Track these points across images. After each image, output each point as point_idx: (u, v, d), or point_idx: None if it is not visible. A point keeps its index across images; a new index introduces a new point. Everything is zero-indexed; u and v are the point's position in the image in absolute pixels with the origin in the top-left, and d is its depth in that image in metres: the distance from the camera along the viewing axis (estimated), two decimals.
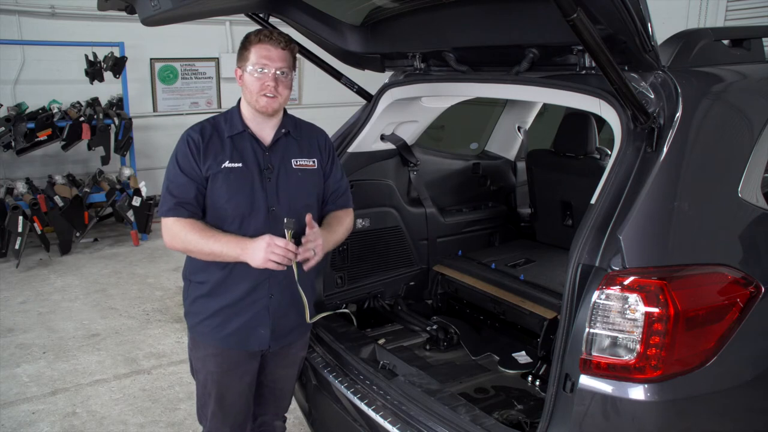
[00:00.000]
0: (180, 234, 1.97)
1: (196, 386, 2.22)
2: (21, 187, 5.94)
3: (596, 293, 1.55)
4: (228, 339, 2.08)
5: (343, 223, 2.20)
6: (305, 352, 2.34)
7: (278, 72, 1.96)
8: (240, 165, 2.00)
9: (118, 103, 6.66)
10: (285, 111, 2.12)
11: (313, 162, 2.14)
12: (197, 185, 1.98)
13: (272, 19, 2.40)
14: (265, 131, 2.07)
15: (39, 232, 5.63)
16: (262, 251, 1.90)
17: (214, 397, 2.15)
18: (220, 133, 2.04)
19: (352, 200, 2.28)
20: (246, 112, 2.06)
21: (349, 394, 2.12)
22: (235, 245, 1.94)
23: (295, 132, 2.13)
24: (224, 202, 1.99)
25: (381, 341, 2.58)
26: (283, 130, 2.09)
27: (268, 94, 1.97)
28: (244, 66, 1.99)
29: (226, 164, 1.99)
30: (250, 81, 1.97)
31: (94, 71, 6.41)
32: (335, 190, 2.22)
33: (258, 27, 2.30)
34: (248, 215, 2.00)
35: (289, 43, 2.00)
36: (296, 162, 2.10)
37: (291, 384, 2.37)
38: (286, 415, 2.47)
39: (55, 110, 6.36)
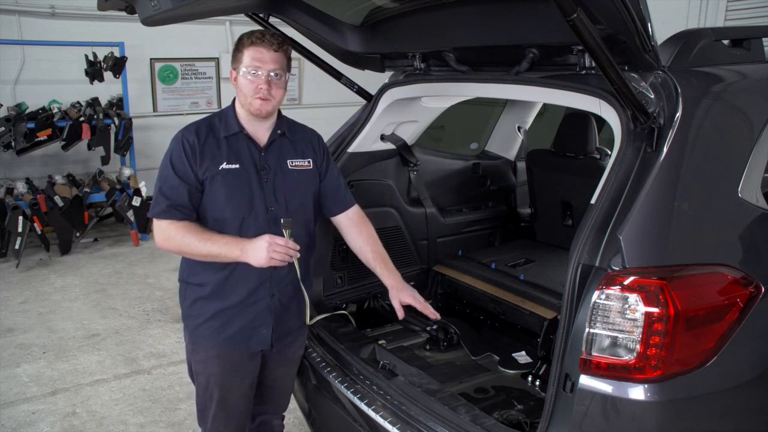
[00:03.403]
0: (175, 237, 1.97)
1: (196, 390, 2.21)
2: (21, 187, 5.94)
3: (596, 293, 1.55)
4: (230, 340, 2.08)
5: (375, 236, 2.29)
6: (303, 350, 2.34)
7: (271, 74, 1.96)
8: (237, 166, 2.00)
9: (118, 103, 6.66)
10: (279, 112, 2.12)
11: (308, 162, 2.15)
12: (190, 188, 1.97)
13: (272, 19, 2.39)
14: (261, 132, 2.07)
15: (39, 232, 5.63)
16: (264, 250, 1.91)
17: (217, 399, 2.14)
18: (216, 133, 2.03)
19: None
20: (241, 112, 2.06)
21: (349, 394, 2.11)
22: (234, 246, 1.94)
23: (290, 133, 2.14)
24: (224, 204, 1.99)
25: (381, 342, 2.58)
26: (279, 131, 2.09)
27: (261, 97, 1.96)
28: (238, 68, 1.99)
29: (224, 165, 1.99)
30: (244, 83, 1.97)
31: (94, 71, 6.40)
32: (335, 186, 2.24)
33: (257, 27, 2.31)
34: (248, 216, 2.00)
35: (281, 45, 1.99)
36: (291, 162, 2.10)
37: (290, 382, 2.38)
38: (284, 414, 2.46)
39: (55, 110, 6.35)
